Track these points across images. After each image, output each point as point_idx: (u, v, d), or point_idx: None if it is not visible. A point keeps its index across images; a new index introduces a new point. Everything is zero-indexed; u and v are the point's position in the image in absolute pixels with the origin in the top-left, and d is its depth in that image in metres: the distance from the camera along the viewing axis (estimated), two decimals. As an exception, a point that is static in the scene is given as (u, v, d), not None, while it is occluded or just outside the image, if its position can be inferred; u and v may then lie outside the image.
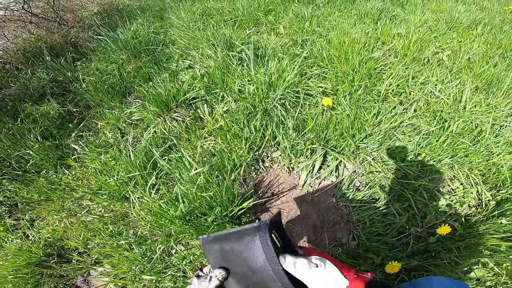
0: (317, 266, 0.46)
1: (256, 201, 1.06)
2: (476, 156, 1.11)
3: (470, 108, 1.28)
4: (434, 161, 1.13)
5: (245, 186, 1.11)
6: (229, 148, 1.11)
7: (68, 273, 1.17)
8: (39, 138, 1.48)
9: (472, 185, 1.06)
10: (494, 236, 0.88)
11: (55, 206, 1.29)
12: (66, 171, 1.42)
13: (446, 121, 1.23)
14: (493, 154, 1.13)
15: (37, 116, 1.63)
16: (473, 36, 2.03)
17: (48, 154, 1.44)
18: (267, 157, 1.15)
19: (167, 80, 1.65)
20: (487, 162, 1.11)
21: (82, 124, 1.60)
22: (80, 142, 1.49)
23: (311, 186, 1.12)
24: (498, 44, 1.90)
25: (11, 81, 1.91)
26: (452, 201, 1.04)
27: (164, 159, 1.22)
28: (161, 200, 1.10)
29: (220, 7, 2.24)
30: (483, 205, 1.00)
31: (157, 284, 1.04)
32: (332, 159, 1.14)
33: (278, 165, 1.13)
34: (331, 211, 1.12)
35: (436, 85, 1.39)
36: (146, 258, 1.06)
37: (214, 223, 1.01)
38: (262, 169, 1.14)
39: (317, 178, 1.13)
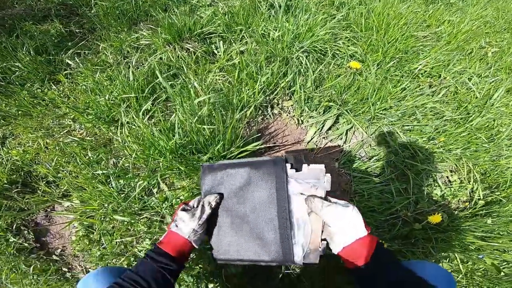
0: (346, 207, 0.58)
1: (260, 146, 1.16)
2: (485, 154, 1.29)
3: (497, 107, 1.43)
4: (444, 149, 1.29)
5: (247, 129, 1.28)
6: (239, 87, 1.27)
7: (29, 206, 1.21)
8: (32, 52, 1.59)
9: (469, 181, 1.24)
10: (475, 233, 1.07)
11: (33, 123, 1.37)
12: (54, 87, 1.53)
13: (469, 113, 1.39)
14: (501, 156, 1.30)
15: (35, 33, 1.77)
16: (527, 41, 2.17)
17: (38, 68, 1.55)
18: (278, 104, 1.31)
19: (185, 13, 1.81)
20: (493, 162, 1.28)
21: (81, 44, 1.75)
22: (76, 59, 1.62)
23: (316, 145, 1.29)
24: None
25: (16, 2, 2.05)
26: (446, 192, 1.22)
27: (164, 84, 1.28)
28: (155, 127, 1.14)
29: None
30: (473, 203, 1.19)
31: (129, 227, 1.09)
32: (344, 122, 1.30)
33: (287, 115, 1.30)
34: (332, 176, 1.29)
35: (471, 77, 1.55)
36: (122, 195, 1.10)
37: (210, 162, 1.09)
38: (270, 115, 1.31)
39: (324, 138, 1.30)
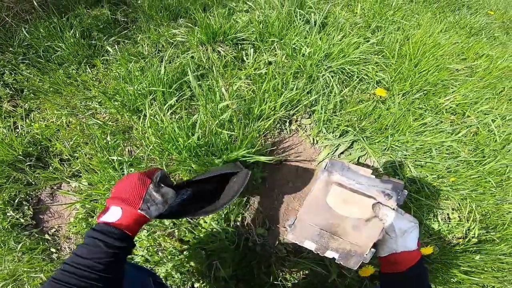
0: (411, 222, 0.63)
1: (274, 159, 1.16)
2: (491, 197, 1.25)
3: None
4: (451, 187, 1.25)
5: (263, 140, 1.29)
6: (263, 97, 1.27)
7: (37, 181, 1.17)
8: (77, 35, 1.62)
9: (468, 220, 1.22)
10: (460, 268, 1.07)
11: (61, 100, 1.38)
12: (89, 70, 1.54)
13: (485, 156, 1.32)
14: (506, 200, 1.26)
15: (84, 17, 1.81)
16: None
17: (78, 51, 1.58)
18: (296, 120, 1.30)
19: (223, 15, 1.80)
20: (497, 206, 1.25)
21: (123, 33, 1.77)
22: (116, 47, 1.64)
23: (327, 166, 1.28)
24: None
25: None
26: (443, 228, 1.22)
27: (193, 84, 1.29)
28: (176, 123, 1.12)
29: None
30: (466, 240, 1.18)
31: None
32: (358, 148, 1.27)
33: (304, 133, 1.29)
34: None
35: (496, 119, 1.45)
36: None
37: (221, 164, 1.06)
38: (287, 130, 1.31)
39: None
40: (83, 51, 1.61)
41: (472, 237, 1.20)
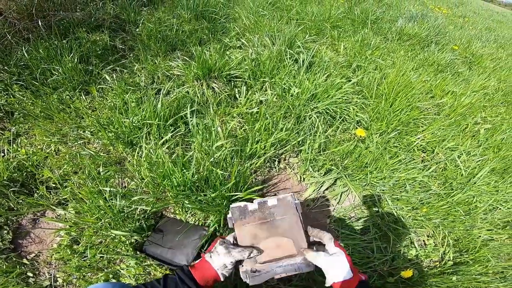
0: (336, 254, 0.69)
1: (259, 197, 1.22)
2: (461, 224, 1.35)
3: (479, 185, 1.47)
4: (425, 217, 1.35)
5: (254, 178, 1.33)
6: (254, 137, 1.32)
7: (20, 207, 1.12)
8: (76, 59, 1.55)
9: (442, 245, 1.30)
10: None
11: (52, 126, 1.31)
12: (83, 97, 1.46)
13: (453, 189, 1.43)
14: (475, 226, 1.36)
15: (84, 41, 1.77)
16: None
17: (74, 75, 1.51)
18: (285, 159, 1.36)
19: (218, 50, 1.85)
20: (467, 231, 1.34)
21: (120, 62, 1.75)
22: (114, 75, 1.61)
23: (313, 201, 1.34)
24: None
25: (79, 8, 2.07)
26: (420, 253, 1.29)
27: (191, 121, 1.32)
28: (169, 159, 1.13)
29: (290, 5, 2.40)
30: (443, 263, 1.25)
31: (118, 245, 1.02)
32: (341, 185, 1.35)
33: (292, 171, 1.35)
34: (322, 229, 1.34)
35: (461, 154, 1.58)
36: (121, 214, 1.05)
37: (214, 201, 1.09)
38: (276, 169, 1.36)
39: (321, 196, 1.34)
40: (79, 77, 1.55)
41: (448, 260, 1.28)
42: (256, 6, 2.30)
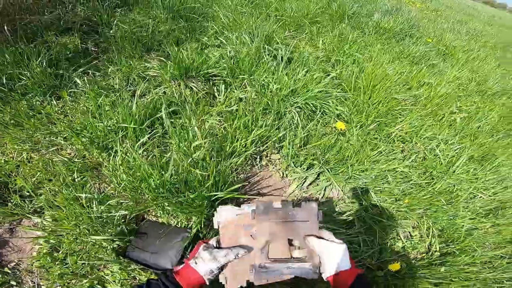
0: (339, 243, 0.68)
1: (242, 195, 1.17)
2: (444, 214, 1.35)
3: (458, 174, 1.50)
4: (408, 208, 1.35)
5: (235, 176, 1.29)
6: (234, 135, 1.28)
7: None
8: (44, 63, 1.49)
9: (428, 236, 1.30)
10: (429, 280, 1.13)
11: (23, 134, 1.26)
12: (54, 102, 1.41)
13: (433, 178, 1.45)
14: (458, 216, 1.38)
15: (53, 45, 1.67)
16: (493, 105, 2.26)
17: (44, 80, 1.44)
18: (266, 156, 1.33)
19: (195, 50, 1.80)
20: (450, 221, 1.35)
21: (93, 64, 1.66)
22: (85, 78, 1.51)
23: (296, 197, 1.32)
24: (510, 119, 2.14)
25: (48, 11, 1.94)
26: (407, 245, 1.29)
27: (166, 122, 1.26)
28: (147, 161, 1.10)
29: (269, 2, 2.37)
30: (430, 254, 1.25)
31: (100, 251, 1.00)
32: (324, 179, 1.33)
33: (274, 167, 1.32)
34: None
35: (439, 143, 1.61)
36: (100, 220, 1.03)
37: (194, 202, 1.05)
38: (258, 166, 1.33)
39: (304, 192, 1.33)
40: (49, 81, 1.47)
41: (435, 251, 1.28)
42: (235, 4, 2.26)
